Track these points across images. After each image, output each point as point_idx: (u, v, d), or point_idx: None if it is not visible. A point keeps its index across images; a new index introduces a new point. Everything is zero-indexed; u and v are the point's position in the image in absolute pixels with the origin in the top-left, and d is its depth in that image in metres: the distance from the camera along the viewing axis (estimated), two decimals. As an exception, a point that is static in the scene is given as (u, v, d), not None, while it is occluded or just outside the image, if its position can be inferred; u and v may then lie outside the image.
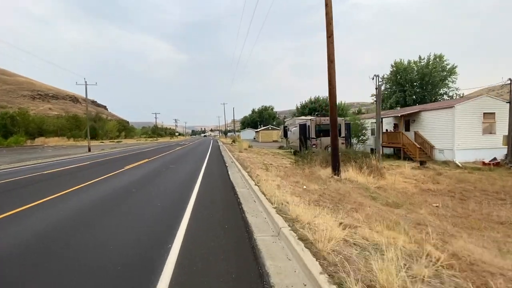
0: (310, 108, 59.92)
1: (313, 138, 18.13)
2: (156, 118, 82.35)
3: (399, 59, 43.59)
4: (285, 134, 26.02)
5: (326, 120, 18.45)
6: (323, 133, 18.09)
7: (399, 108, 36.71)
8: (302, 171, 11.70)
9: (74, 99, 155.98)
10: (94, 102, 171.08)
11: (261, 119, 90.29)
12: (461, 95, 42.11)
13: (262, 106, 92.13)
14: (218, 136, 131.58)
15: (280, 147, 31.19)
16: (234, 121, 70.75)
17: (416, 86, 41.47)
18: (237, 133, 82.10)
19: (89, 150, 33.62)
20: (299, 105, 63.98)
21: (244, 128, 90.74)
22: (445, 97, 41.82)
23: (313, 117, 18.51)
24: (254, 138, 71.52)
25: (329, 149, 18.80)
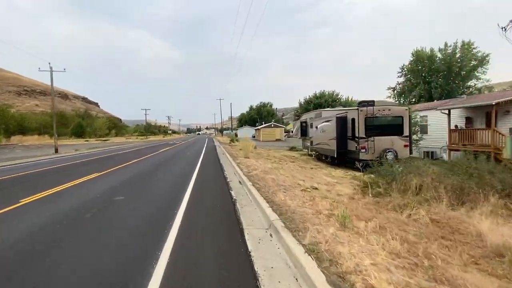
0: (315, 103, 53.30)
1: (362, 138, 11.42)
2: (146, 114, 74.66)
3: (419, 47, 37.19)
4: (304, 132, 19.27)
5: (385, 111, 11.71)
6: (378, 131, 11.41)
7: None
8: (403, 215, 5.01)
9: (64, 96, 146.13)
10: (85, 99, 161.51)
11: (259, 116, 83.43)
12: (491, 88, 36.12)
13: (261, 102, 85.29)
14: (214, 134, 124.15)
15: (292, 148, 24.47)
16: (231, 117, 63.64)
17: (442, 77, 35.16)
18: (232, 131, 75.00)
19: (56, 152, 26.69)
20: (302, 101, 57.35)
21: (242, 126, 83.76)
22: (471, 90, 35.72)
23: (361, 107, 11.75)
24: (253, 136, 64.62)
25: (388, 155, 12.17)
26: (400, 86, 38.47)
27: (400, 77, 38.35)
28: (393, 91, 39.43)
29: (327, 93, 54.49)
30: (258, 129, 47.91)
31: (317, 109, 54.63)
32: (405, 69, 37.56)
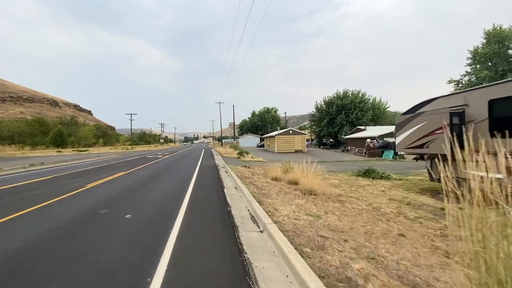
0: (339, 104, 41.42)
1: None
2: (131, 120, 61.56)
3: (496, 25, 25.84)
4: (460, 142, 6.81)
5: None
6: None
7: None
8: None
9: (53, 103, 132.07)
10: (76, 106, 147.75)
11: (263, 123, 71.40)
12: None
13: (264, 107, 73.37)
14: (212, 143, 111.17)
15: (367, 174, 11.97)
16: (234, 122, 51.13)
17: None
18: (235, 140, 62.46)
19: None
20: (321, 102, 45.43)
21: (243, 134, 71.33)
22: None
23: None
24: (261, 146, 52.11)
25: None
26: (469, 77, 26.91)
27: (472, 65, 26.78)
28: (457, 85, 27.83)
29: (350, 93, 42.86)
30: (270, 136, 35.45)
31: (340, 112, 42.48)
32: (478, 55, 26.11)
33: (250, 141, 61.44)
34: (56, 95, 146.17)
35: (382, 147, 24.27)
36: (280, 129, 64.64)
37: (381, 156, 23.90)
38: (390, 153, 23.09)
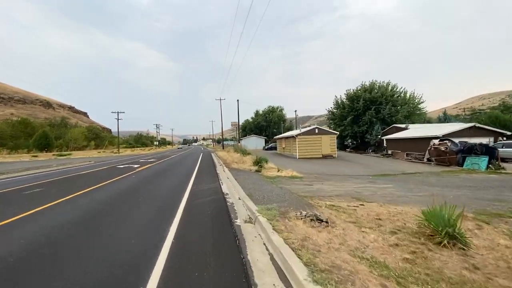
0: (367, 99, 33.18)
1: None
2: (118, 119, 52.63)
3: None
4: None
5: None
6: None
7: None
8: None
9: (46, 104, 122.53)
10: (71, 108, 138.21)
11: (267, 123, 63.03)
12: None
13: (269, 106, 65.00)
14: (212, 146, 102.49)
15: None
16: (238, 123, 42.61)
17: None
18: (239, 142, 53.99)
19: None
20: (341, 97, 37.12)
21: (246, 135, 62.84)
22: None
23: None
24: (269, 148, 43.65)
25: None
26: None
27: None
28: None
29: (378, 84, 34.62)
30: (288, 137, 26.94)
31: (369, 107, 33.85)
32: None
33: (254, 142, 53.07)
34: (52, 96, 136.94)
35: (463, 151, 15.96)
36: (286, 130, 56.29)
37: (462, 165, 15.60)
38: (482, 161, 14.72)
